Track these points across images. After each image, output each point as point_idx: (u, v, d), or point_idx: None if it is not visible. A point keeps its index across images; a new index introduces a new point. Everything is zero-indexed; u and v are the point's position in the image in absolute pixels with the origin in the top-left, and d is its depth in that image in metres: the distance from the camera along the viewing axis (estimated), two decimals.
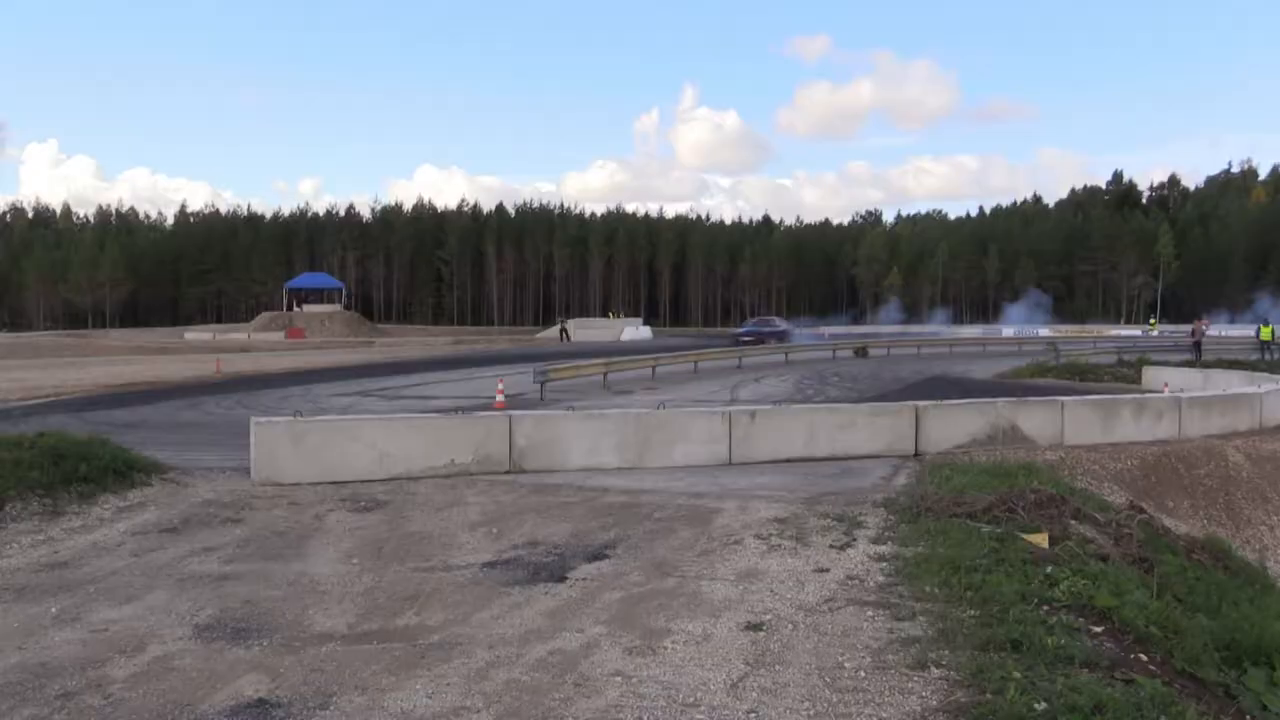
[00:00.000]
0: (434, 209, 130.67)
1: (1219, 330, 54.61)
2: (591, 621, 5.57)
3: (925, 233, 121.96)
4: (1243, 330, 58.72)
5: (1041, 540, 7.12)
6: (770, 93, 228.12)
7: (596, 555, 7.13)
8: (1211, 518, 12.59)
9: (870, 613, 5.64)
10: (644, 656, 4.97)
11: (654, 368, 25.93)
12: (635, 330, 63.21)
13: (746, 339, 42.82)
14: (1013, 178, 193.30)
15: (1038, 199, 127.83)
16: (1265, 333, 35.20)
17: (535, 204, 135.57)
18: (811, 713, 4.25)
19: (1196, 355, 32.39)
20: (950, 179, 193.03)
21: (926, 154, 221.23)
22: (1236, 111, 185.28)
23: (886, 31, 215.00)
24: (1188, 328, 41.24)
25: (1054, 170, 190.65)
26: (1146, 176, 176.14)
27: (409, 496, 9.32)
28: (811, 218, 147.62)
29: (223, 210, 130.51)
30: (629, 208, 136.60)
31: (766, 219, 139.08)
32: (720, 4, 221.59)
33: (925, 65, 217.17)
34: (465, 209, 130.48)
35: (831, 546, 7.28)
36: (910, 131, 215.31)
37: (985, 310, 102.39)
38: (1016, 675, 4.39)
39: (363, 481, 9.87)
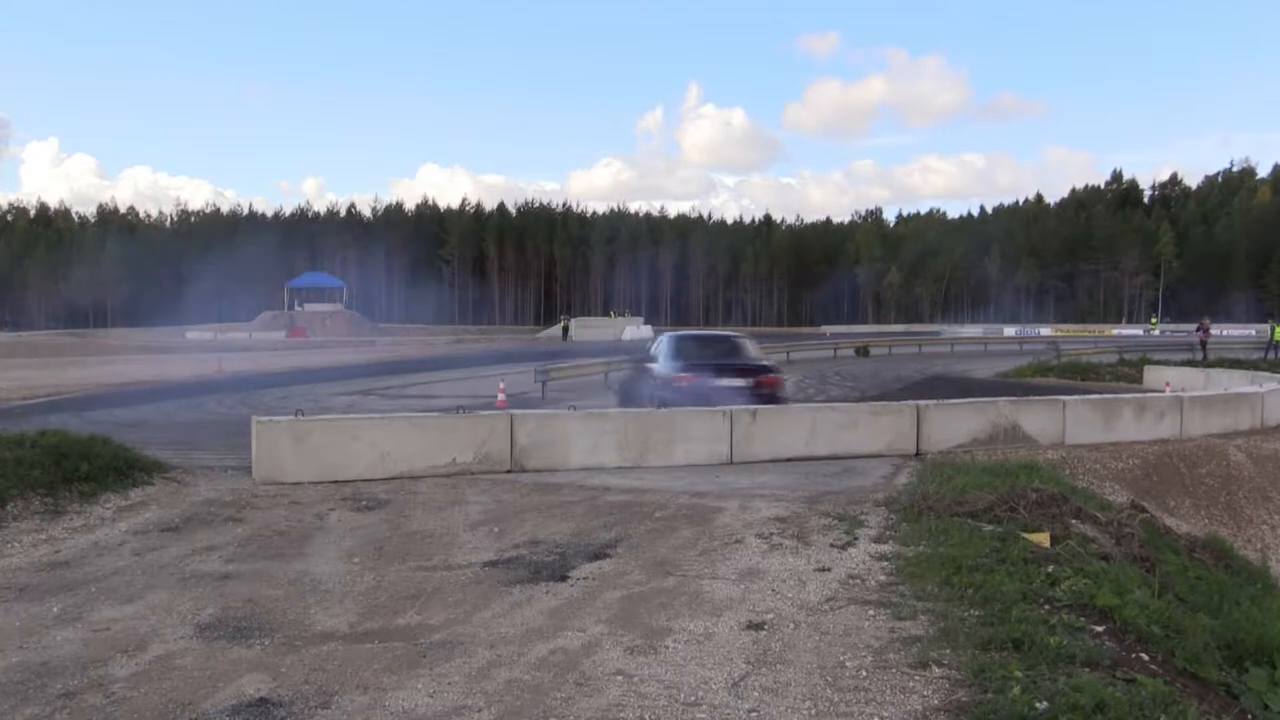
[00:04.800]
0: (435, 208, 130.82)
1: (1218, 330, 54.66)
2: (593, 620, 5.57)
3: (927, 232, 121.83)
4: (1243, 330, 58.76)
5: (1043, 539, 7.11)
6: (778, 91, 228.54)
7: (598, 554, 7.12)
8: (1213, 517, 12.59)
9: (872, 612, 5.63)
10: (645, 655, 4.96)
11: None
12: (637, 329, 63.21)
13: None
14: (1019, 176, 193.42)
15: (1039, 198, 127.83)
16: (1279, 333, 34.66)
17: (537, 203, 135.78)
18: (813, 712, 4.25)
19: (1202, 354, 32.53)
20: (957, 178, 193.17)
21: (934, 152, 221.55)
22: (1246, 110, 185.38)
23: (897, 29, 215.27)
24: (1190, 326, 41.26)
25: (1060, 169, 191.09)
26: (1151, 176, 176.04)
27: (410, 495, 9.31)
28: (816, 217, 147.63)
29: (224, 210, 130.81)
30: (633, 206, 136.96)
31: (768, 218, 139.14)
32: (728, 1, 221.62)
33: (935, 62, 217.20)
34: (467, 208, 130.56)
35: (833, 545, 7.27)
36: (918, 130, 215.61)
37: (986, 309, 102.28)
38: (1018, 674, 4.39)
39: (364, 481, 9.87)
